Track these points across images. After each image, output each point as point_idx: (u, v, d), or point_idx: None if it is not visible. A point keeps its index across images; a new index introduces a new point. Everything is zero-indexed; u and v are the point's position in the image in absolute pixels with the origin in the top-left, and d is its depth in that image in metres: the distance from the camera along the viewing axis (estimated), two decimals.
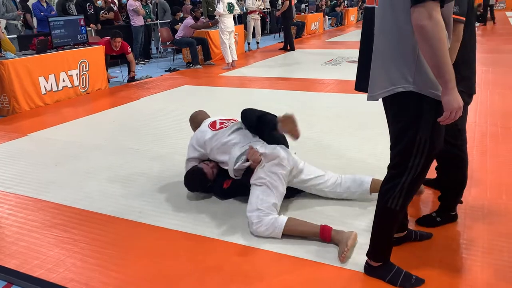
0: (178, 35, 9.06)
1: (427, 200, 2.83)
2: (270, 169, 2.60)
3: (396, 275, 2.01)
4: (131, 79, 7.62)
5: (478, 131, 4.05)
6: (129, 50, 7.69)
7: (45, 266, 2.31)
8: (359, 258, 2.21)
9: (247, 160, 2.66)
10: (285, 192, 2.64)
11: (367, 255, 2.07)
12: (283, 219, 2.43)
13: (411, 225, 2.46)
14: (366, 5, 2.23)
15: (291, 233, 2.41)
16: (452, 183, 2.48)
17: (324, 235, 2.35)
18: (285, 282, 2.09)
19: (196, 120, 3.28)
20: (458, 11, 2.01)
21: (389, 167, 1.92)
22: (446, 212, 2.54)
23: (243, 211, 2.68)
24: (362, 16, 17.14)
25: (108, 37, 7.45)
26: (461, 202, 2.58)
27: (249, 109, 3.00)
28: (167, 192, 3.15)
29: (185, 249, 2.42)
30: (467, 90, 2.28)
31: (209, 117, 3.29)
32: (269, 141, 2.86)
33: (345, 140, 4.03)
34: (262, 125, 2.86)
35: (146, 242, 2.52)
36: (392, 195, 1.87)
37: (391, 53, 1.73)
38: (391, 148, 1.91)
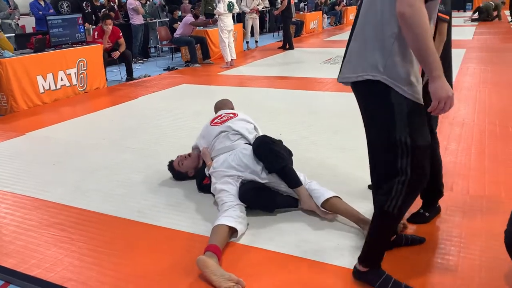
0: (177, 33, 9.04)
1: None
2: (217, 172, 2.82)
3: (385, 282, 1.94)
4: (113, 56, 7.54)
5: (476, 130, 4.05)
6: (121, 34, 7.71)
7: (43, 265, 2.31)
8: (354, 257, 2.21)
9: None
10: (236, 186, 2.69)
11: (358, 259, 2.00)
12: (217, 222, 2.42)
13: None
14: None
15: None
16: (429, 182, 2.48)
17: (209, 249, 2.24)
18: (281, 281, 2.09)
19: (216, 108, 3.53)
20: (443, 9, 2.03)
21: (375, 174, 1.86)
22: (432, 206, 2.57)
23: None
24: None
25: (100, 25, 7.48)
26: (441, 195, 2.57)
27: (268, 144, 2.74)
28: (165, 191, 3.14)
29: (183, 248, 2.42)
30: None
31: (226, 108, 3.48)
32: (267, 167, 2.73)
33: (344, 138, 4.02)
34: (281, 176, 2.71)
35: (144, 241, 2.52)
36: (389, 197, 1.78)
37: (368, 39, 1.69)
38: (374, 151, 1.83)
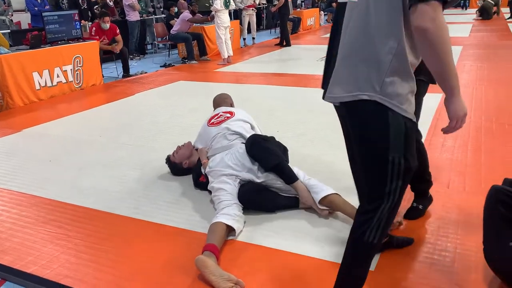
0: (174, 29, 9.01)
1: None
2: (214, 172, 2.81)
3: None
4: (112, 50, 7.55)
5: (473, 127, 4.06)
6: (118, 31, 7.73)
7: (39, 263, 2.30)
8: None
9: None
10: (235, 185, 2.69)
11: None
12: (214, 219, 2.43)
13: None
14: (340, 1, 1.92)
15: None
16: (417, 172, 2.48)
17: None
18: (279, 277, 2.09)
19: (214, 104, 3.54)
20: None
21: (362, 197, 1.70)
22: (424, 197, 2.58)
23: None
24: None
25: (97, 21, 7.45)
26: (431, 184, 2.58)
27: (259, 143, 2.77)
28: (162, 188, 3.14)
29: (180, 245, 2.41)
30: (428, 80, 2.24)
31: (226, 103, 3.50)
32: (263, 165, 2.74)
33: (341, 135, 4.01)
34: (277, 173, 2.71)
35: (140, 238, 2.51)
36: (369, 226, 1.58)
37: (361, 56, 1.52)
38: (360, 176, 1.69)
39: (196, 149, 3.26)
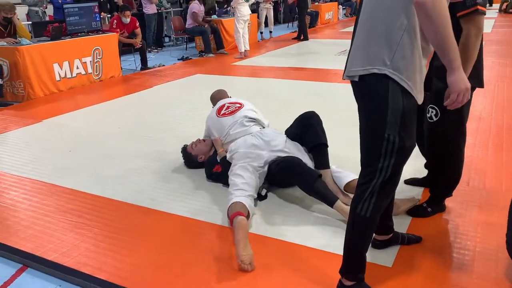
0: (188, 23, 8.97)
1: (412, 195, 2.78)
2: (237, 163, 2.79)
3: None
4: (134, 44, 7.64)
5: (494, 125, 3.98)
6: (137, 24, 7.84)
7: (60, 250, 2.35)
8: (370, 250, 2.21)
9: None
10: (254, 174, 2.69)
11: (339, 271, 1.86)
12: (232, 200, 2.48)
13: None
14: None
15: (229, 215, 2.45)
16: (447, 179, 2.43)
17: (230, 223, 2.36)
18: (294, 271, 2.09)
19: (214, 99, 3.57)
20: (481, 1, 1.95)
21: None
22: (437, 204, 2.53)
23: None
24: None
25: (117, 14, 7.54)
26: (450, 195, 2.53)
27: (319, 121, 2.95)
28: (179, 180, 3.16)
29: (196, 237, 2.43)
30: (478, 84, 2.22)
31: (226, 97, 3.53)
32: (312, 138, 2.87)
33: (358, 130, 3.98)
34: (319, 153, 2.84)
35: (158, 228, 2.54)
36: (361, 199, 1.71)
37: (375, 33, 1.62)
38: (361, 147, 1.76)
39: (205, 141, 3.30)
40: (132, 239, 2.44)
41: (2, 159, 3.72)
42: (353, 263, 1.83)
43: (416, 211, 2.50)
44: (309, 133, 2.84)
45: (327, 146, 2.85)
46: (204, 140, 3.30)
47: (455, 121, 2.26)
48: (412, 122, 1.66)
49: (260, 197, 2.76)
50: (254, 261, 2.12)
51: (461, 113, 2.26)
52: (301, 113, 3.04)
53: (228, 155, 2.94)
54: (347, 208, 2.51)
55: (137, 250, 2.33)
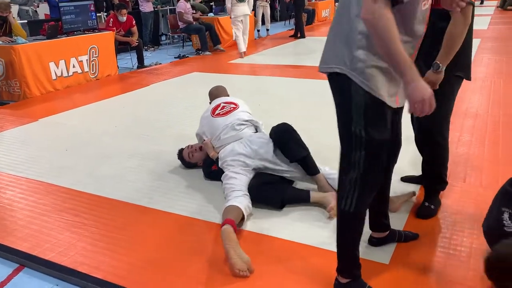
0: (181, 24, 8.89)
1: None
2: (229, 167, 2.79)
3: None
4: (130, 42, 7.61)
5: (490, 121, 3.99)
6: (134, 22, 7.80)
7: (56, 250, 2.34)
8: (363, 246, 2.21)
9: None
10: (246, 177, 2.71)
11: (336, 269, 1.89)
12: (228, 203, 2.47)
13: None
14: None
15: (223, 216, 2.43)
16: (435, 167, 2.48)
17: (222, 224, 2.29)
18: (293, 270, 2.10)
19: (212, 95, 3.55)
20: None
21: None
22: (435, 198, 2.55)
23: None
24: None
25: (113, 12, 7.52)
26: (444, 186, 2.56)
27: (291, 133, 2.82)
28: (176, 179, 3.16)
29: (194, 235, 2.43)
30: (465, 76, 2.30)
31: (224, 95, 3.51)
32: (290, 155, 2.77)
33: None
34: (302, 165, 2.76)
35: (155, 227, 2.54)
36: (343, 195, 1.74)
37: (340, 34, 1.67)
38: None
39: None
40: (129, 238, 2.43)
41: None
42: (346, 260, 1.85)
43: (421, 212, 2.50)
44: (285, 151, 2.76)
45: (307, 155, 2.75)
46: (200, 148, 3.23)
47: (442, 112, 2.31)
48: (381, 117, 1.67)
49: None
50: (252, 260, 2.12)
51: (448, 105, 2.34)
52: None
53: (219, 162, 2.92)
54: (323, 193, 2.63)
55: (134, 249, 2.33)
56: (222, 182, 2.77)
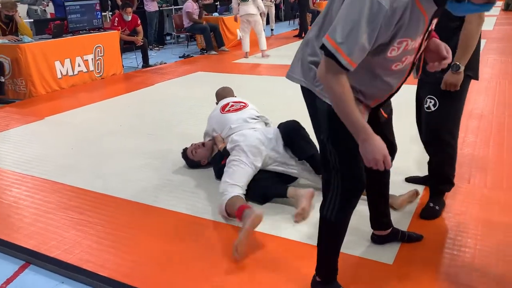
0: (187, 23, 8.91)
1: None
2: (234, 156, 2.80)
3: None
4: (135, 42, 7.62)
5: (495, 122, 3.98)
6: (139, 22, 7.81)
7: (62, 247, 2.36)
8: (366, 246, 2.22)
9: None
10: (252, 170, 2.74)
11: (315, 267, 1.90)
12: (228, 197, 2.53)
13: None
14: None
15: (229, 210, 2.50)
16: (443, 167, 2.47)
17: (238, 216, 2.40)
18: (297, 269, 2.10)
19: (219, 96, 3.57)
20: None
21: None
22: (440, 198, 2.55)
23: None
24: None
25: (118, 12, 7.54)
26: (450, 187, 2.55)
27: (299, 131, 2.85)
28: (181, 178, 3.17)
29: (198, 234, 2.45)
30: (474, 76, 2.31)
31: (231, 96, 3.53)
32: (298, 152, 2.82)
33: None
34: (310, 163, 2.79)
35: (159, 225, 2.55)
36: (325, 202, 1.74)
37: (307, 42, 1.69)
38: None
39: (212, 143, 3.27)
40: (134, 236, 2.45)
41: (4, 157, 3.73)
42: (324, 263, 1.87)
43: (426, 213, 2.49)
44: (294, 148, 2.80)
45: (316, 153, 2.74)
46: (203, 144, 3.25)
47: (452, 112, 2.33)
48: (341, 124, 1.57)
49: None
50: (256, 258, 2.14)
51: (459, 105, 2.34)
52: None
53: (228, 146, 2.92)
54: (299, 190, 2.65)
55: (139, 247, 2.34)
56: (226, 165, 2.80)
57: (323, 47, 1.45)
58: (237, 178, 2.65)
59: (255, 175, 2.77)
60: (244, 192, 2.63)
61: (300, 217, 2.50)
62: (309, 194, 2.57)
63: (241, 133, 2.94)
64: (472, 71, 2.26)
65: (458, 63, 2.12)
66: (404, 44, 1.49)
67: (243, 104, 3.25)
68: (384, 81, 1.61)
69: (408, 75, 1.68)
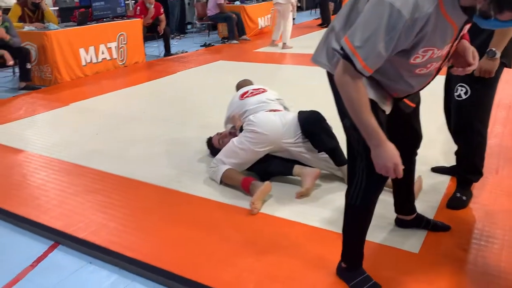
0: (212, 12, 8.89)
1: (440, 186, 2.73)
2: (243, 136, 2.85)
3: (361, 283, 1.83)
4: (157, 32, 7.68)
5: None
6: (162, 10, 7.81)
7: (89, 229, 2.41)
8: (392, 234, 2.20)
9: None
10: (251, 157, 2.83)
11: (341, 254, 1.90)
12: (224, 168, 2.78)
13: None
14: None
15: (227, 181, 2.78)
16: (473, 156, 2.42)
17: (244, 186, 2.65)
18: (322, 255, 2.10)
19: (238, 87, 3.55)
20: None
21: None
22: (467, 188, 2.49)
23: (280, 186, 2.76)
24: None
25: (141, 0, 7.57)
26: (478, 178, 2.50)
27: (321, 122, 2.82)
28: (203, 165, 3.19)
29: (222, 219, 2.46)
30: (508, 63, 2.26)
31: (251, 85, 3.51)
32: (317, 145, 2.80)
33: None
34: (330, 154, 2.77)
35: (184, 210, 2.58)
36: (351, 188, 1.73)
37: (333, 36, 1.65)
38: None
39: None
40: (159, 220, 2.48)
41: (32, 141, 3.82)
42: (350, 249, 1.86)
43: (453, 203, 2.45)
44: (314, 141, 2.77)
45: (336, 146, 2.73)
46: (230, 134, 3.20)
47: (484, 100, 2.28)
48: None
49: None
50: (280, 244, 2.17)
51: (491, 93, 2.28)
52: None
53: (244, 125, 2.91)
54: (306, 168, 2.70)
55: (164, 230, 2.38)
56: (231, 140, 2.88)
57: (341, 48, 1.46)
58: (231, 160, 2.81)
59: (261, 158, 2.83)
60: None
61: (302, 197, 2.61)
62: (315, 174, 2.64)
63: (258, 115, 2.89)
64: (506, 58, 2.20)
65: (494, 49, 2.06)
66: (430, 53, 1.47)
67: (262, 90, 3.24)
68: (407, 82, 1.60)
69: (433, 79, 1.65)
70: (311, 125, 2.80)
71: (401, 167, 1.53)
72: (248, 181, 2.64)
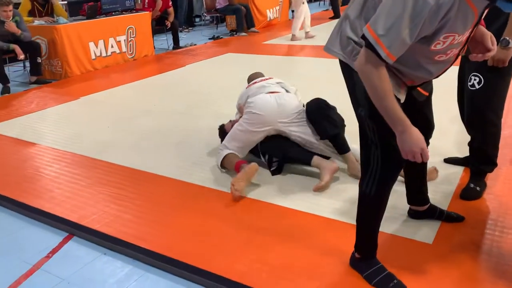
0: (221, 4, 8.87)
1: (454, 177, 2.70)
2: (242, 118, 2.93)
3: (375, 273, 1.83)
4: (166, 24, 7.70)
5: None
6: (170, 3, 7.82)
7: (103, 221, 2.43)
8: (405, 225, 2.19)
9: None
10: (252, 136, 2.87)
11: (354, 244, 1.90)
12: (225, 152, 2.84)
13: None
14: None
15: (226, 166, 2.85)
16: (486, 146, 2.39)
17: (236, 170, 2.70)
18: (335, 246, 2.10)
19: (250, 79, 3.51)
20: None
21: None
22: (481, 179, 2.47)
23: (297, 179, 2.78)
24: None
25: None
26: (492, 168, 2.48)
27: (323, 110, 2.82)
28: (215, 156, 3.19)
29: (234, 211, 2.47)
30: None
31: (261, 77, 3.49)
32: (319, 132, 2.80)
33: None
34: (332, 142, 2.78)
35: (197, 202, 2.59)
36: (365, 177, 1.72)
37: (348, 25, 1.65)
38: None
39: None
40: (172, 211, 2.50)
41: (44, 134, 3.85)
42: (363, 239, 1.86)
43: (466, 194, 2.44)
44: (317, 127, 2.78)
45: (338, 133, 2.74)
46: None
47: (498, 89, 2.25)
48: None
49: (273, 172, 2.84)
50: (293, 235, 2.17)
51: (505, 82, 2.26)
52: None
53: (244, 109, 2.96)
54: (324, 161, 2.69)
55: (178, 222, 2.39)
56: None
57: (363, 37, 1.44)
58: (233, 143, 2.87)
59: (279, 139, 2.85)
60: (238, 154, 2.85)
61: (320, 190, 2.60)
62: (334, 168, 2.63)
63: (255, 97, 2.93)
64: None
65: (507, 38, 2.03)
66: (451, 39, 1.45)
67: (268, 78, 3.25)
68: (426, 69, 1.58)
69: (451, 65, 1.63)
70: (313, 113, 2.82)
71: (427, 151, 1.52)
72: (239, 164, 2.69)
